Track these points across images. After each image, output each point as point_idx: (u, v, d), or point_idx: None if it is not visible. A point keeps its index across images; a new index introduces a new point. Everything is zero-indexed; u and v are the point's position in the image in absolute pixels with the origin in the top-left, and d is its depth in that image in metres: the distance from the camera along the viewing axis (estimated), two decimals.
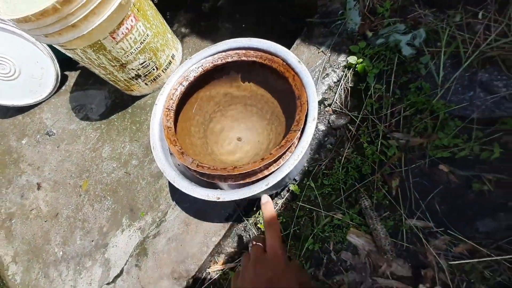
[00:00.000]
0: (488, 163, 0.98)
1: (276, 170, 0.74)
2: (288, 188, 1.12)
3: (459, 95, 0.99)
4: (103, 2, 1.06)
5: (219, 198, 0.73)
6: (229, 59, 0.90)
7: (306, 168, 1.12)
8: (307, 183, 1.10)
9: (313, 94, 0.76)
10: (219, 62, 0.90)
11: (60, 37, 1.10)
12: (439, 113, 1.01)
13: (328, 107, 1.14)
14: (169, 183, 1.32)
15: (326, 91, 1.12)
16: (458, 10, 1.01)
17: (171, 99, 0.84)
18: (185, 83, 0.87)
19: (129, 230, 1.27)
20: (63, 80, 1.90)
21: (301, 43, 1.20)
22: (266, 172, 0.75)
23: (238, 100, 0.97)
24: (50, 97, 1.88)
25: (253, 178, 0.75)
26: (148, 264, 1.06)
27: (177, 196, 1.15)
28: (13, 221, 1.56)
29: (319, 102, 1.12)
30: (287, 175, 0.71)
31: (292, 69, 0.82)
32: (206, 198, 0.74)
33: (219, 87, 0.95)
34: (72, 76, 1.93)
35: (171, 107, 0.84)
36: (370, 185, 1.10)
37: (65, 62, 1.83)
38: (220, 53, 0.91)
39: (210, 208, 1.07)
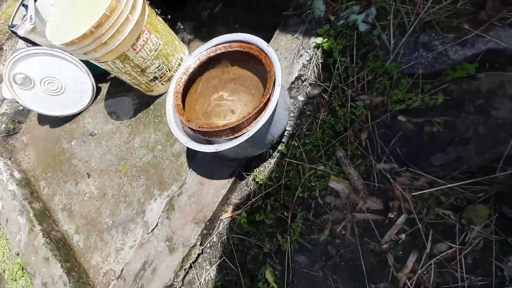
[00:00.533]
0: (435, 109, 1.19)
1: (256, 125, 1.02)
2: (278, 149, 1.40)
3: (407, 57, 1.21)
4: (124, 23, 1.41)
5: (217, 149, 1.03)
6: (218, 51, 1.20)
7: (291, 131, 1.39)
8: (292, 143, 1.37)
9: (278, 67, 1.04)
10: (211, 54, 1.21)
11: (95, 53, 1.47)
12: (392, 74, 1.24)
13: (305, 81, 1.41)
14: (187, 157, 1.66)
15: (301, 69, 1.38)
16: None
17: (178, 85, 1.16)
18: (188, 73, 1.19)
19: (160, 197, 1.61)
20: (98, 91, 2.32)
21: (279, 33, 1.48)
22: (248, 128, 1.04)
23: (229, 82, 1.27)
24: (89, 106, 2.31)
25: (240, 133, 1.04)
26: (175, 216, 1.39)
27: (193, 164, 1.47)
28: (72, 204, 1.98)
29: (296, 78, 1.39)
30: (263, 126, 1.00)
31: (264, 52, 1.11)
32: (208, 151, 1.05)
33: (214, 73, 1.26)
34: (104, 87, 2.35)
35: (179, 91, 1.16)
36: (344, 140, 1.34)
37: (99, 77, 2.25)
38: (212, 48, 1.21)
39: (217, 169, 1.38)
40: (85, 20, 1.35)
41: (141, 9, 1.48)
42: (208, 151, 1.04)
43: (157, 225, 1.42)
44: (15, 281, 1.94)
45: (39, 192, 2.16)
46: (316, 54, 1.38)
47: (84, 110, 2.32)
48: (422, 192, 1.19)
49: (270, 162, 1.41)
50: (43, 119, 2.48)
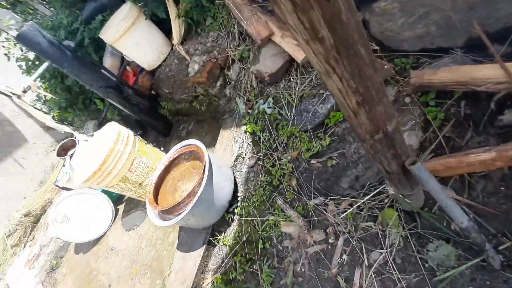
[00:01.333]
0: (330, 147, 1.59)
1: (193, 201, 1.47)
2: (235, 212, 1.76)
3: (299, 120, 1.71)
4: (120, 156, 2.09)
5: (176, 221, 1.45)
6: (177, 154, 1.78)
7: (243, 196, 1.79)
8: (244, 204, 1.74)
9: (208, 160, 1.56)
10: (173, 157, 1.78)
11: (104, 182, 2.11)
12: (295, 134, 1.71)
13: (244, 157, 1.90)
14: (177, 242, 2.01)
15: (239, 149, 1.91)
16: (281, 81, 1.87)
17: (151, 185, 1.69)
18: (157, 173, 1.74)
19: (158, 285, 1.90)
20: (116, 212, 2.92)
21: (222, 130, 2.10)
22: (193, 198, 1.48)
23: (186, 172, 1.79)
24: (110, 226, 2.86)
25: (190, 204, 1.48)
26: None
27: (179, 245, 1.82)
28: None
29: (237, 156, 1.90)
30: (204, 193, 1.44)
31: (199, 147, 1.66)
32: (169, 224, 1.46)
33: (176, 169, 1.81)
34: (121, 208, 2.95)
35: (150, 190, 1.68)
36: (282, 191, 1.71)
37: (117, 201, 2.89)
38: (175, 151, 1.80)
39: (194, 241, 1.73)
40: (95, 163, 2.05)
41: (132, 145, 2.20)
42: (169, 224, 1.46)
43: None
44: None
45: None
46: (246, 137, 1.93)
47: (107, 230, 2.85)
48: (346, 213, 1.45)
49: (233, 225, 1.75)
50: (78, 248, 3.01)
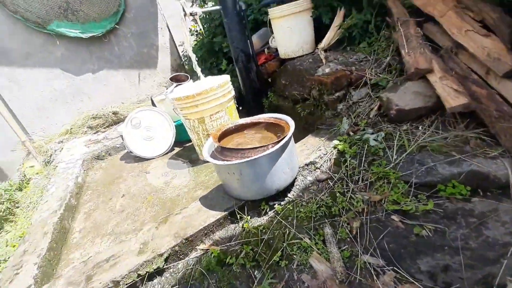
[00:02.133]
0: (427, 215, 1.22)
1: (259, 154, 1.32)
2: (274, 208, 1.52)
3: (404, 168, 1.41)
4: (213, 100, 2.16)
5: (231, 163, 1.33)
6: (262, 120, 1.70)
7: (291, 199, 1.54)
8: (288, 206, 1.49)
9: (291, 135, 1.42)
10: (257, 120, 1.71)
11: (187, 110, 2.20)
12: (391, 178, 1.41)
13: (318, 169, 1.67)
14: (201, 198, 1.88)
15: (317, 158, 1.69)
16: (407, 123, 1.61)
17: (218, 131, 1.64)
18: (234, 122, 1.68)
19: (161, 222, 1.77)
20: (171, 150, 3.03)
21: (310, 136, 1.93)
22: (253, 155, 1.34)
23: (258, 138, 1.68)
24: (159, 156, 2.96)
25: (245, 156, 1.34)
26: (163, 228, 1.49)
27: (203, 199, 1.68)
28: (94, 211, 2.26)
29: (311, 162, 1.68)
30: (273, 153, 1.29)
31: (288, 123, 1.54)
32: (223, 164, 1.35)
33: (251, 130, 1.72)
34: (176, 150, 3.05)
35: (223, 129, 1.62)
36: (336, 224, 1.40)
37: (177, 143, 3.01)
38: (262, 117, 1.73)
39: (218, 203, 1.56)
40: (194, 90, 2.16)
41: (228, 100, 2.26)
42: (223, 164, 1.34)
43: (143, 232, 1.54)
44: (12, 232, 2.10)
45: (81, 195, 2.57)
46: (332, 151, 1.71)
47: (155, 158, 2.97)
48: None
49: (263, 218, 1.51)
50: (126, 155, 3.23)
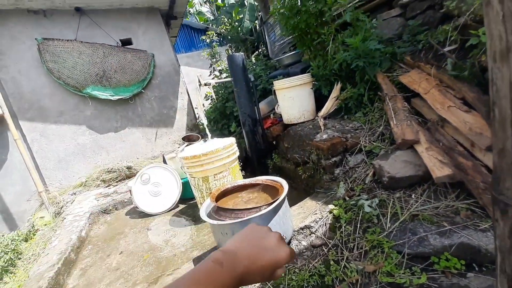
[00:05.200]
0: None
1: (254, 214, 1.38)
2: None
3: (397, 236, 1.39)
4: (218, 161, 2.31)
5: (224, 223, 1.39)
6: (259, 182, 1.79)
7: (285, 265, 1.51)
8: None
9: (284, 196, 1.50)
10: (255, 181, 1.80)
11: (194, 169, 2.34)
12: (384, 247, 1.39)
13: (313, 234, 1.67)
14: (193, 260, 1.86)
15: (312, 222, 1.70)
16: (400, 191, 1.64)
17: (216, 192, 1.73)
18: (233, 183, 1.78)
19: (151, 282, 1.74)
20: (175, 207, 3.09)
21: (308, 199, 1.97)
22: (248, 216, 1.39)
23: (255, 199, 1.74)
24: (163, 213, 3.01)
25: (238, 217, 1.40)
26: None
27: (195, 261, 1.67)
28: (91, 268, 2.24)
29: (305, 226, 1.69)
30: (267, 213, 1.35)
31: (282, 186, 1.62)
32: (217, 223, 1.41)
33: (248, 192, 1.79)
34: (180, 207, 3.11)
35: (222, 189, 1.71)
36: None
37: (183, 200, 3.09)
38: (259, 179, 1.83)
39: None
40: (201, 150, 2.34)
41: (232, 160, 2.41)
42: (216, 223, 1.40)
43: None
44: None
45: (82, 250, 2.58)
46: (327, 216, 1.72)
47: (160, 214, 3.02)
48: None
49: (253, 284, 1.46)
50: (131, 211, 3.29)
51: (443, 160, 1.45)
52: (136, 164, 4.70)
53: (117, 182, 4.43)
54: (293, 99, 2.74)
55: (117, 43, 4.62)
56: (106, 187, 4.31)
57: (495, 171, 0.55)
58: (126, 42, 4.73)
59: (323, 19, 2.78)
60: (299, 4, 2.94)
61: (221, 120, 4.47)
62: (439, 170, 1.41)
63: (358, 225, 1.60)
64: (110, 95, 4.59)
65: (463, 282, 1.15)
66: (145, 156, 5.01)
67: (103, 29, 4.49)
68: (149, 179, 3.04)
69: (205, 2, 11.36)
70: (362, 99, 2.45)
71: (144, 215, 3.05)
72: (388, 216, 1.54)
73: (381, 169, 1.72)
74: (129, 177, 4.52)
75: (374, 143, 2.03)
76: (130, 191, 3.07)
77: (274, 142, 3.24)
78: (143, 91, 4.88)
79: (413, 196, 1.59)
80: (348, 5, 2.57)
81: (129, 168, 4.66)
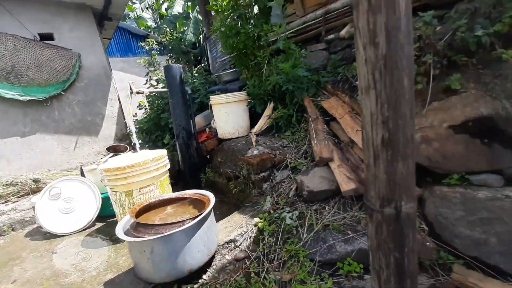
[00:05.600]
0: None
1: (176, 229, 1.33)
2: None
3: (311, 245, 1.53)
4: (145, 174, 2.17)
5: (142, 239, 1.29)
6: (186, 196, 1.75)
7: (206, 280, 1.48)
8: None
9: (210, 210, 1.49)
10: (181, 195, 1.75)
11: (115, 182, 2.14)
12: (300, 256, 1.50)
13: (237, 247, 1.69)
14: (104, 284, 1.67)
15: (237, 235, 1.73)
16: (317, 204, 1.81)
17: (136, 208, 1.63)
18: (158, 198, 1.69)
19: None
20: (92, 225, 2.73)
21: (236, 213, 2.01)
22: (169, 231, 1.33)
23: (180, 213, 1.68)
24: (75, 233, 2.63)
25: (158, 233, 1.33)
26: None
27: (107, 285, 1.50)
28: None
29: (231, 240, 1.70)
30: (187, 230, 1.30)
31: (209, 199, 1.62)
32: (133, 240, 1.30)
33: (174, 206, 1.73)
34: (98, 226, 2.77)
35: (144, 204, 1.61)
36: None
37: (101, 218, 2.76)
38: (186, 193, 1.78)
39: None
40: (126, 162, 2.17)
41: (160, 174, 2.29)
42: (133, 240, 1.30)
43: None
44: None
45: None
46: (252, 229, 1.78)
47: (70, 234, 2.62)
48: None
49: None
50: (33, 232, 2.78)
51: (350, 176, 1.68)
52: (47, 177, 4.03)
53: (18, 197, 3.70)
54: (228, 114, 2.81)
55: (34, 36, 4.05)
56: (3, 203, 3.56)
57: (365, 183, 0.67)
58: (46, 37, 4.18)
59: (260, 43, 2.98)
60: (239, 25, 3.11)
61: (155, 131, 4.25)
62: (346, 184, 1.62)
63: (280, 237, 1.70)
64: (18, 95, 3.93)
65: (361, 284, 1.32)
66: (60, 168, 4.36)
67: (17, 18, 3.88)
68: (60, 194, 2.64)
69: (147, 8, 10.92)
70: (291, 119, 2.67)
71: (50, 236, 2.61)
72: (305, 227, 1.68)
73: (302, 183, 1.88)
74: (35, 192, 3.83)
75: (299, 160, 2.22)
76: (33, 208, 2.61)
77: (208, 156, 3.23)
78: (63, 93, 4.32)
79: (326, 208, 1.77)
80: (282, 34, 2.83)
81: (36, 181, 3.97)
